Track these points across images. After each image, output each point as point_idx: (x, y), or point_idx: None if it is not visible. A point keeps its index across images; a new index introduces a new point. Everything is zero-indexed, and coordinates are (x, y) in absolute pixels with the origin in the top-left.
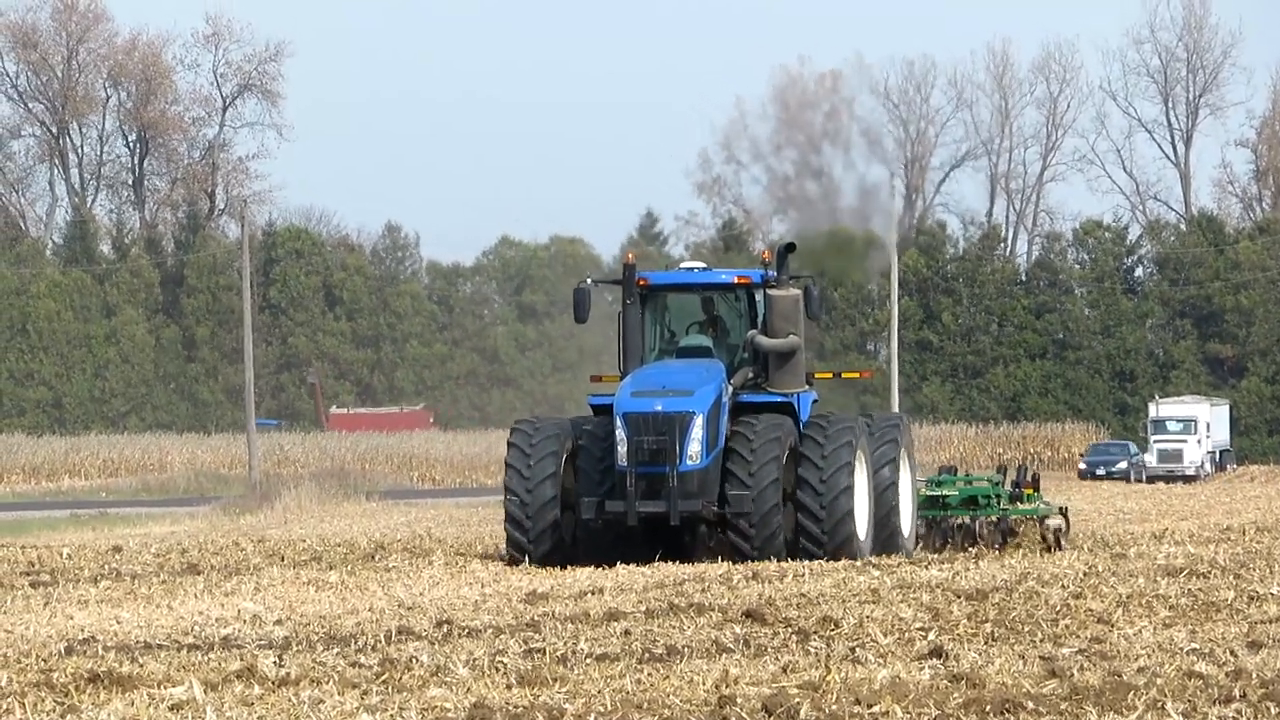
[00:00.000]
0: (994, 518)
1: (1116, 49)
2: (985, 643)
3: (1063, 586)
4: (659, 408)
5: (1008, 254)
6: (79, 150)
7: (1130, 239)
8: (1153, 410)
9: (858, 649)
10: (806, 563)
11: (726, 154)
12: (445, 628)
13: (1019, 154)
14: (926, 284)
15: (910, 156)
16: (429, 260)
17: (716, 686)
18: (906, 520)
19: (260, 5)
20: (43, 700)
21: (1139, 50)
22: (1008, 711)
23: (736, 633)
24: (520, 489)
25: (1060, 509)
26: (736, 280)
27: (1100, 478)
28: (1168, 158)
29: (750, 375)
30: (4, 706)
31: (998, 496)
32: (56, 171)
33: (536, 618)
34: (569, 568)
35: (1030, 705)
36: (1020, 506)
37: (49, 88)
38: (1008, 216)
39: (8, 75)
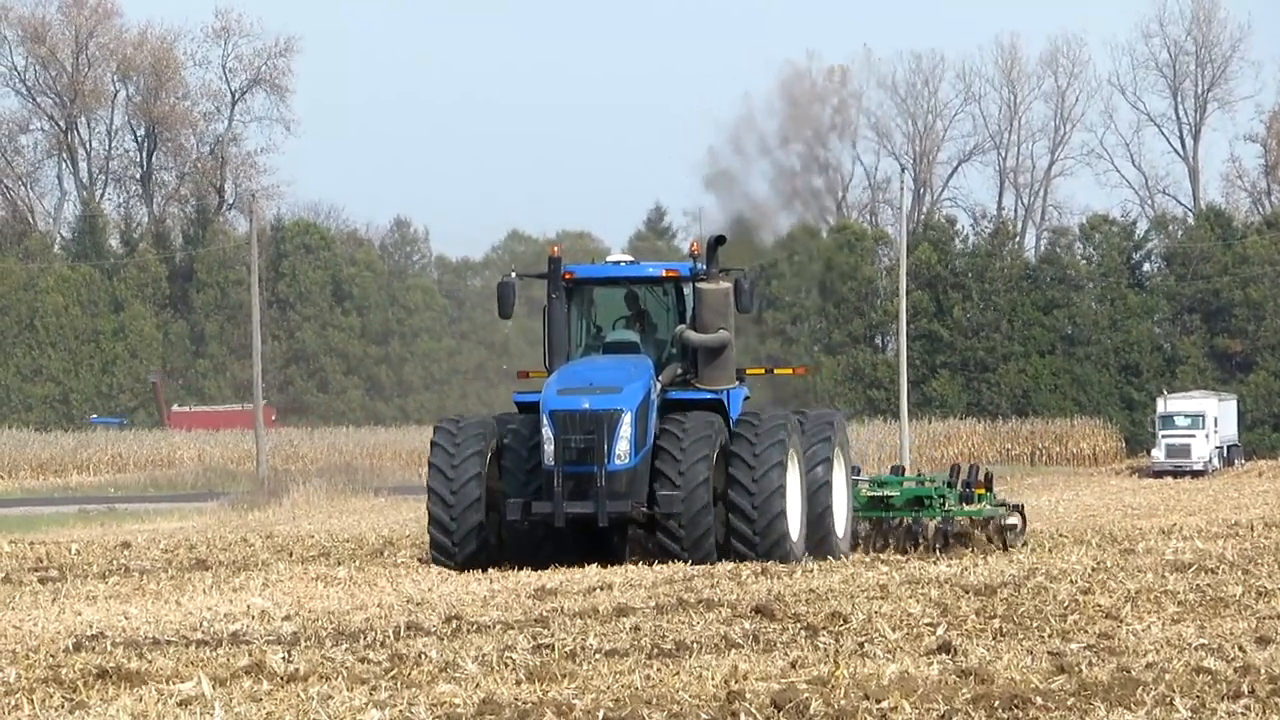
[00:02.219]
0: (937, 519)
1: (1125, 43)
2: (993, 638)
3: (1071, 582)
4: (586, 405)
5: (1017, 248)
6: (87, 145)
7: (1138, 234)
8: (1160, 405)
9: (866, 644)
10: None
11: (734, 148)
12: (454, 623)
13: (1027, 148)
14: (936, 279)
15: (918, 151)
16: (438, 254)
17: (725, 682)
18: (841, 520)
19: (270, 0)
20: (51, 696)
21: (1147, 44)
22: (1016, 707)
23: (745, 628)
24: (444, 490)
25: (1015, 508)
26: (664, 274)
27: None
28: (1176, 152)
29: (679, 371)
30: (12, 702)
31: (943, 497)
32: (65, 166)
33: (545, 613)
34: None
35: (1038, 701)
36: (966, 508)
37: (58, 82)
38: (1016, 211)
39: (16, 70)
